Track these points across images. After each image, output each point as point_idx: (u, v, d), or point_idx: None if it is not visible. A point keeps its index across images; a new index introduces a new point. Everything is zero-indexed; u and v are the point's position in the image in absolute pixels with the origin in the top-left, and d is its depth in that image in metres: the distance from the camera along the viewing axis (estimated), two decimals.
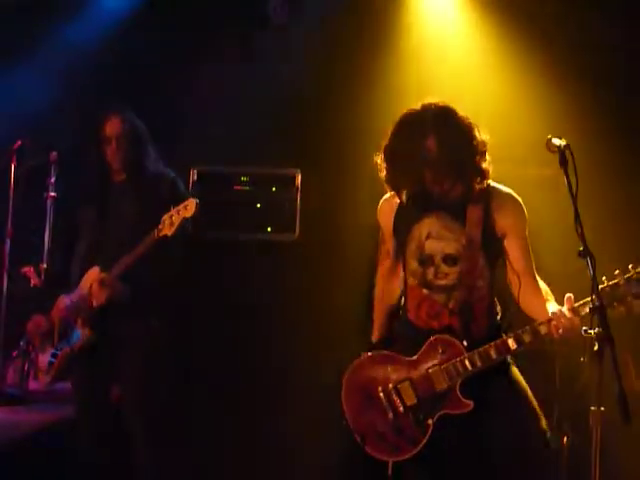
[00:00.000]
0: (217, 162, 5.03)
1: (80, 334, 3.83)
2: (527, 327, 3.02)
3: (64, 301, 3.90)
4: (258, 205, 4.99)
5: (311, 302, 5.03)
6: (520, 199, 3.19)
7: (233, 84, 5.26)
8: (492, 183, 3.16)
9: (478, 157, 3.09)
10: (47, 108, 5.57)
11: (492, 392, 3.07)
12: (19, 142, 5.28)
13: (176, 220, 3.60)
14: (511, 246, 3.14)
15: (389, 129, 3.17)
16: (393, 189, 3.20)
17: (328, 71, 5.21)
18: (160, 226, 3.63)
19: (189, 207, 3.60)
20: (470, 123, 3.13)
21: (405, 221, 3.21)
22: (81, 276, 3.87)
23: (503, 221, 3.13)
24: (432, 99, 3.15)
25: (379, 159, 3.18)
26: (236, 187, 5.00)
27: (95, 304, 3.79)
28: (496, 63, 5.10)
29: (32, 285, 5.45)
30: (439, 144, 3.05)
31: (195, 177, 4.90)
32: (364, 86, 5.14)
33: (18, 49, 5.68)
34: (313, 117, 5.14)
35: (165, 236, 3.62)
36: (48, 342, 3.96)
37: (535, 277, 3.15)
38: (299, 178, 4.96)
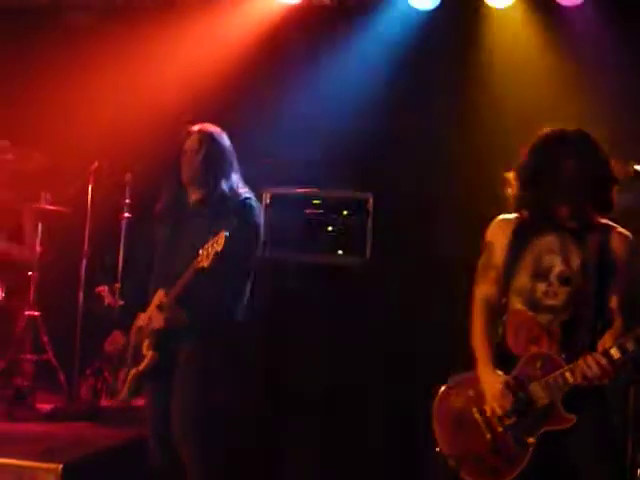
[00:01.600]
0: (290, 185, 5.04)
1: (144, 355, 3.88)
2: (630, 334, 2.95)
3: (139, 321, 3.95)
4: (329, 228, 4.99)
5: (379, 325, 5.01)
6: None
7: (306, 107, 5.30)
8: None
9: (611, 187, 3.13)
10: (125, 129, 5.73)
11: (587, 405, 3.02)
12: (96, 164, 5.38)
13: (211, 252, 3.60)
14: (616, 283, 3.12)
15: (524, 148, 3.19)
16: (521, 206, 3.21)
17: (401, 94, 5.22)
18: (199, 258, 3.65)
19: (219, 241, 3.56)
20: (607, 153, 3.15)
21: (525, 234, 3.18)
22: (154, 294, 3.90)
23: (619, 258, 3.11)
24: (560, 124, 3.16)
25: (510, 175, 3.20)
26: (308, 210, 5.02)
27: (155, 327, 3.82)
28: (567, 79, 5.08)
29: (106, 304, 5.57)
30: (579, 167, 3.08)
31: (268, 200, 4.92)
32: (437, 108, 5.14)
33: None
34: (386, 140, 5.14)
35: (203, 267, 3.64)
36: (125, 359, 4.00)
37: (623, 320, 3.12)
38: (371, 202, 4.95)
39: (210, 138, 3.94)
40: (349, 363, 4.92)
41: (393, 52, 5.31)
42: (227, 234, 3.56)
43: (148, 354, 3.82)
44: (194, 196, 3.96)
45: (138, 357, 3.87)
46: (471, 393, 3.14)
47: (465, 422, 3.12)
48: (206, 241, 3.62)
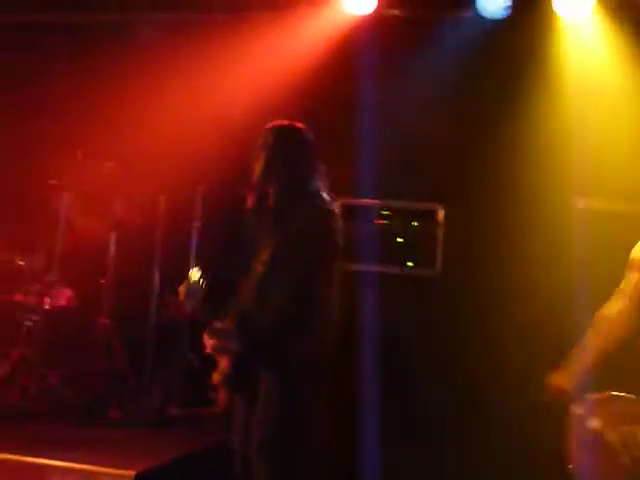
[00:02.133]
0: (359, 195, 5.04)
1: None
2: None
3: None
4: (399, 239, 4.98)
5: (448, 337, 4.97)
6: None
7: (377, 118, 5.30)
8: None
9: None
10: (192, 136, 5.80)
11: None
12: (169, 174, 5.45)
13: None
14: None
15: None
16: None
17: (473, 105, 5.19)
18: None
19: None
20: None
21: None
22: None
23: None
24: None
25: None
26: (377, 220, 5.02)
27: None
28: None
29: (175, 314, 5.63)
30: None
31: (338, 210, 4.92)
32: (508, 120, 5.09)
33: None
34: (457, 150, 5.11)
35: None
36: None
37: None
38: (441, 213, 4.93)
39: (279, 134, 3.68)
40: (414, 376, 4.89)
41: (463, 62, 5.29)
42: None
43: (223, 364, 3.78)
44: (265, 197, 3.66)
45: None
46: (611, 412, 3.07)
47: (599, 443, 3.06)
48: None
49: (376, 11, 5.76)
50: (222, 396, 3.79)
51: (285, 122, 3.72)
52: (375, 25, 5.68)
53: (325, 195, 3.68)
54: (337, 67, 5.61)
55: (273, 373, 3.61)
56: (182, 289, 3.72)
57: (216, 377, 3.75)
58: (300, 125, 3.72)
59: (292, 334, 3.60)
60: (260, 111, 5.55)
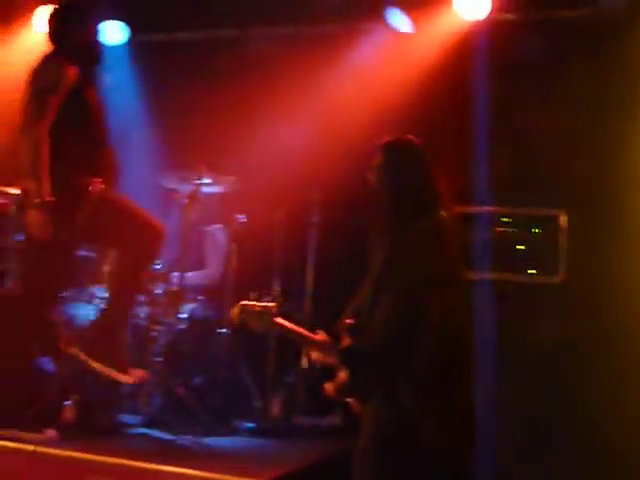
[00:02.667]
0: (478, 202, 4.99)
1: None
2: None
3: None
4: (520, 246, 4.90)
5: (574, 346, 4.86)
6: None
7: (495, 122, 5.25)
8: None
9: None
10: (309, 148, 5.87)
11: None
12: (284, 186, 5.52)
13: None
14: None
15: None
16: None
17: (593, 105, 5.06)
18: None
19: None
20: None
21: None
22: None
23: None
24: None
25: None
26: (497, 228, 4.95)
27: None
28: None
29: (297, 321, 5.68)
30: None
31: (457, 217, 4.88)
32: (632, 118, 4.95)
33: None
34: (580, 154, 5.00)
35: None
36: None
37: None
38: (563, 218, 4.81)
39: (387, 150, 3.73)
40: (535, 385, 4.79)
41: (581, 62, 5.17)
42: None
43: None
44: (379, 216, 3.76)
45: None
46: None
47: None
48: None
49: (490, 15, 5.71)
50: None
51: (395, 138, 3.76)
52: (489, 29, 5.63)
53: (440, 210, 3.66)
54: (452, 73, 5.58)
55: (379, 389, 3.54)
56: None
57: (328, 387, 3.77)
58: (411, 138, 3.76)
59: (397, 351, 3.53)
60: (376, 120, 5.61)
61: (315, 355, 3.74)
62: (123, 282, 4.85)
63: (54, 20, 4.86)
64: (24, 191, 4.49)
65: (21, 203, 4.57)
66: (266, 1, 6.39)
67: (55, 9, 4.95)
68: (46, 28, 4.89)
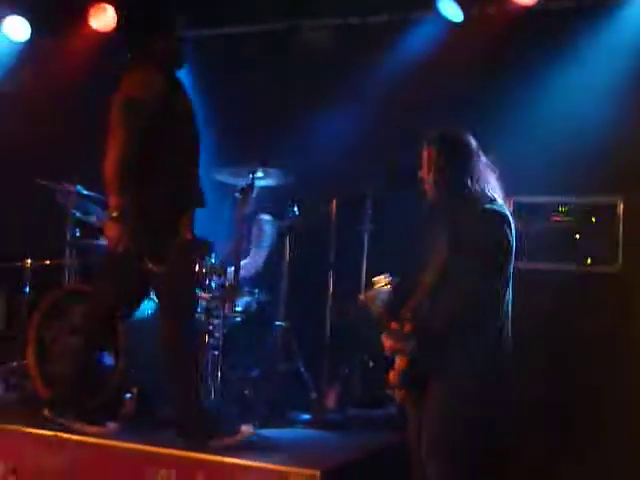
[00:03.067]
0: (535, 192, 4.94)
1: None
2: None
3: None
4: (577, 236, 4.84)
5: (631, 336, 4.79)
6: None
7: (548, 110, 5.19)
8: None
9: None
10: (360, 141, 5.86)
11: None
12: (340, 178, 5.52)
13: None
14: None
15: None
16: None
17: None
18: None
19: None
20: None
21: None
22: None
23: None
24: None
25: None
26: (554, 218, 4.89)
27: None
28: None
29: (351, 315, 5.69)
30: None
31: (512, 208, 4.84)
32: None
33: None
34: (634, 140, 4.92)
35: None
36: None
37: None
38: (621, 207, 4.74)
39: (439, 148, 3.83)
40: (599, 375, 4.73)
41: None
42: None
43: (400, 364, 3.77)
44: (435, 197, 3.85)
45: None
46: None
47: None
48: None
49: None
50: (399, 394, 3.82)
51: (447, 128, 3.87)
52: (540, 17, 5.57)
53: (496, 197, 3.77)
54: (502, 60, 5.53)
55: (444, 373, 3.67)
56: (368, 294, 3.80)
57: (392, 376, 3.81)
58: (461, 130, 3.87)
59: (464, 335, 3.65)
60: (427, 110, 5.60)
61: (389, 343, 3.80)
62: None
63: (138, 25, 4.71)
64: (106, 202, 4.48)
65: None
66: None
67: (136, 13, 4.82)
68: (127, 33, 4.80)
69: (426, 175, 3.86)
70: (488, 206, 3.72)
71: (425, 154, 3.86)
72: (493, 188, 3.81)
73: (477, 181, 3.77)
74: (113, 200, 4.33)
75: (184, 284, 4.54)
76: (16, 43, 7.00)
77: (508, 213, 3.75)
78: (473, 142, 3.86)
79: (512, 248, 3.67)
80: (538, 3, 5.66)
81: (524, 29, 5.56)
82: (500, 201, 3.79)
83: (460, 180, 3.76)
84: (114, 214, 4.34)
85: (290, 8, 6.41)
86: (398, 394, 3.82)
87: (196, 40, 6.86)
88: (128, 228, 4.35)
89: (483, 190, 3.77)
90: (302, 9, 6.45)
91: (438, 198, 3.85)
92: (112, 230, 4.37)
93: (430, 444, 3.68)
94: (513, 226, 3.70)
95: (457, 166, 3.78)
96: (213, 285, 5.36)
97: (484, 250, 3.61)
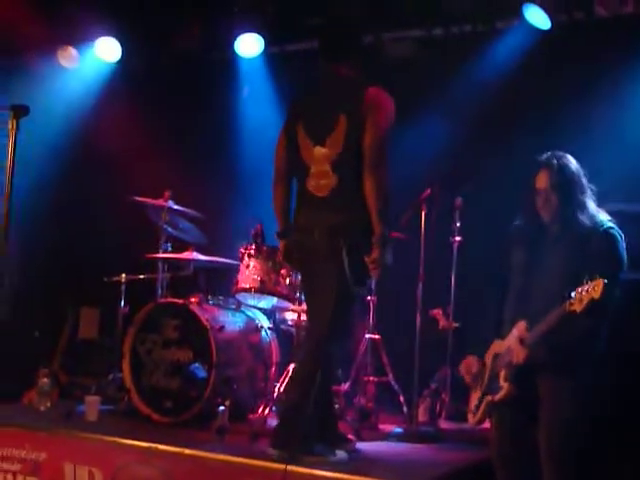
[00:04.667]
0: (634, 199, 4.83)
1: (501, 386, 3.86)
2: None
3: (495, 348, 3.95)
4: None
5: None
6: None
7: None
8: None
9: None
10: (451, 152, 5.83)
11: None
12: (428, 190, 5.48)
13: (585, 298, 3.47)
14: None
15: None
16: None
17: None
18: (572, 300, 3.52)
19: (597, 288, 3.43)
20: None
21: None
22: (511, 323, 3.88)
23: None
24: None
25: None
26: None
27: (514, 361, 3.79)
28: None
29: (440, 327, 5.66)
30: None
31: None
32: None
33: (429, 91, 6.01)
34: None
35: (574, 311, 3.50)
36: (478, 383, 4.02)
37: None
38: None
39: (559, 170, 3.86)
40: None
41: None
42: (606, 282, 3.44)
43: (505, 385, 3.84)
44: (552, 227, 3.92)
45: (494, 385, 3.90)
46: None
47: None
48: (577, 282, 3.53)
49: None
50: (505, 390, 3.84)
51: (557, 157, 3.91)
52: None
53: (608, 219, 3.89)
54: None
55: (572, 373, 3.73)
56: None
57: (489, 398, 3.83)
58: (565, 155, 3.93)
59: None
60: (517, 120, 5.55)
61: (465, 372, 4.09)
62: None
63: (347, 39, 4.57)
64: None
65: None
66: (398, 5, 6.38)
67: (336, 27, 4.71)
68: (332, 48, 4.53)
69: (544, 208, 3.91)
70: (606, 230, 3.84)
71: (539, 187, 3.90)
72: (599, 211, 3.93)
73: (587, 205, 3.89)
74: (382, 229, 4.25)
75: None
76: (108, 64, 7.20)
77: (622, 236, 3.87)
78: (574, 163, 3.95)
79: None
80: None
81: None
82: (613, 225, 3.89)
83: (575, 207, 3.85)
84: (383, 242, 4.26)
85: (374, 21, 6.41)
86: (504, 390, 3.83)
87: (282, 55, 7.00)
88: None
89: (595, 213, 3.90)
90: (386, 21, 6.46)
91: (555, 224, 3.91)
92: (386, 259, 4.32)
93: (551, 448, 3.72)
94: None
95: (570, 195, 3.86)
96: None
97: (613, 284, 3.62)
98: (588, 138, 5.30)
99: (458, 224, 5.68)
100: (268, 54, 7.01)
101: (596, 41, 5.70)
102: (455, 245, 5.69)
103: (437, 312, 5.65)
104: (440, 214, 5.50)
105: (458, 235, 5.69)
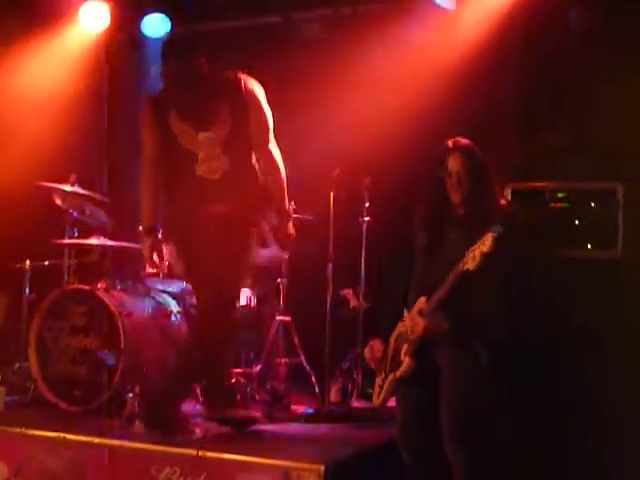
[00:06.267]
0: (533, 177, 4.92)
1: (402, 361, 3.89)
2: None
3: (399, 328, 3.98)
4: (576, 222, 4.82)
5: (630, 324, 4.75)
6: None
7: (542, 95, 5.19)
8: None
9: None
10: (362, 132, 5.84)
11: None
12: (337, 170, 5.49)
13: (477, 254, 3.55)
14: None
15: None
16: None
17: None
18: (464, 259, 3.60)
19: (486, 242, 3.52)
20: None
21: None
22: (414, 303, 3.92)
23: None
24: None
25: None
26: (553, 204, 4.87)
27: (414, 335, 3.83)
28: None
29: (351, 307, 5.69)
30: None
31: (509, 195, 4.82)
32: None
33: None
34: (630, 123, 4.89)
35: (468, 270, 3.59)
36: (382, 366, 4.05)
37: None
38: (620, 191, 4.71)
39: (471, 155, 3.95)
40: (601, 367, 4.70)
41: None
42: (495, 234, 3.51)
43: (406, 360, 3.84)
44: (458, 210, 3.97)
45: (395, 363, 3.92)
46: None
47: None
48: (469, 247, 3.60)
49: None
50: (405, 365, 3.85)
51: (466, 143, 3.97)
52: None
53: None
54: (499, 49, 5.51)
55: (465, 344, 3.73)
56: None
57: (392, 376, 3.85)
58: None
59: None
60: (423, 101, 5.58)
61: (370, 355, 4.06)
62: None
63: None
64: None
65: None
66: None
67: None
68: None
69: (454, 190, 3.94)
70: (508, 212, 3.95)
71: (452, 169, 3.94)
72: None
73: (493, 188, 3.99)
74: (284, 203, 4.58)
75: None
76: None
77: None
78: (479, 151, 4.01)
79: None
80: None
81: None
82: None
83: (483, 191, 3.93)
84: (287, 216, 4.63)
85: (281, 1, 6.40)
86: (404, 365, 3.83)
87: (189, 36, 6.89)
88: None
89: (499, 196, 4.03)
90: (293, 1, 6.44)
91: (461, 207, 3.95)
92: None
93: (454, 433, 3.70)
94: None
95: (481, 180, 3.93)
96: None
97: (510, 243, 3.69)
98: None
99: (367, 204, 5.70)
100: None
101: None
102: (364, 225, 5.71)
103: (348, 292, 5.68)
104: (349, 194, 5.53)
105: (367, 215, 5.71)
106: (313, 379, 5.56)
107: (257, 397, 5.34)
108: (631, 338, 4.67)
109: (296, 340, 5.65)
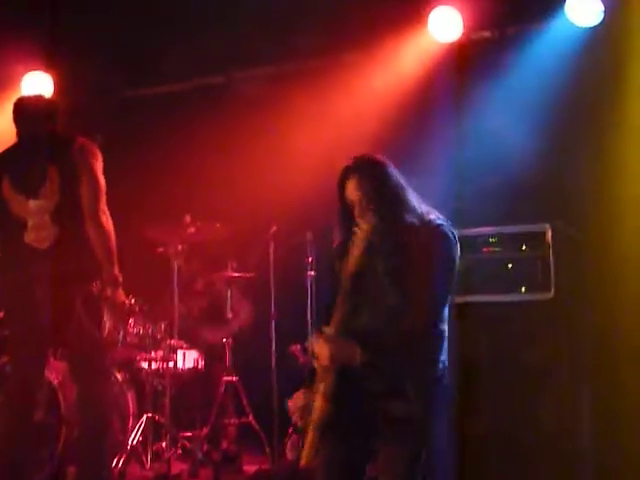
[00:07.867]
0: (464, 225, 4.92)
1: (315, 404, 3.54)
2: None
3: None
4: (509, 265, 4.81)
5: (571, 362, 4.73)
6: None
7: (473, 143, 5.22)
8: None
9: None
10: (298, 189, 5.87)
11: None
12: (274, 227, 5.51)
13: None
14: None
15: None
16: None
17: (568, 121, 5.01)
18: None
19: None
20: None
21: None
22: None
23: None
24: None
25: None
26: (485, 249, 4.87)
27: (320, 365, 3.21)
28: None
29: (300, 363, 5.65)
30: None
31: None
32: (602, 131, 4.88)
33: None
34: (556, 167, 4.93)
35: None
36: (305, 417, 3.74)
37: None
38: (549, 234, 4.71)
39: (372, 174, 3.42)
40: (537, 408, 4.67)
41: (555, 76, 5.13)
42: None
43: (318, 403, 3.23)
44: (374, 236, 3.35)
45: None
46: None
47: None
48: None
49: (464, 35, 5.68)
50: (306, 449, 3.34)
51: (367, 155, 3.49)
52: (463, 50, 5.61)
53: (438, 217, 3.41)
54: (426, 97, 5.56)
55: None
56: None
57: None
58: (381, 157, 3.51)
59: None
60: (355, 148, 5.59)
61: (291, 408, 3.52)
62: None
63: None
64: None
65: None
66: (246, 44, 6.41)
67: None
68: None
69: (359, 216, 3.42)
70: (436, 227, 3.35)
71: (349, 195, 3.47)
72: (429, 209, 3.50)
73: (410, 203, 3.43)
74: (112, 269, 4.35)
75: None
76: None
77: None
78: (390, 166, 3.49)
79: None
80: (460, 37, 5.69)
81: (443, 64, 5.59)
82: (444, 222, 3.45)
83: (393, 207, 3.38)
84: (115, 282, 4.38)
85: (221, 61, 6.45)
86: (317, 408, 3.23)
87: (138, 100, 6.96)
88: None
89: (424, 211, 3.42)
90: (234, 61, 6.51)
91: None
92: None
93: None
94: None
95: (384, 197, 3.39)
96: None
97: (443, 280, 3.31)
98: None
99: (310, 259, 5.70)
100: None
101: None
102: (309, 280, 5.69)
103: (295, 348, 5.65)
104: (290, 249, 5.54)
105: (311, 270, 5.70)
106: (264, 438, 5.49)
107: (207, 459, 5.28)
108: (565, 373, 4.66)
109: (244, 399, 5.61)
